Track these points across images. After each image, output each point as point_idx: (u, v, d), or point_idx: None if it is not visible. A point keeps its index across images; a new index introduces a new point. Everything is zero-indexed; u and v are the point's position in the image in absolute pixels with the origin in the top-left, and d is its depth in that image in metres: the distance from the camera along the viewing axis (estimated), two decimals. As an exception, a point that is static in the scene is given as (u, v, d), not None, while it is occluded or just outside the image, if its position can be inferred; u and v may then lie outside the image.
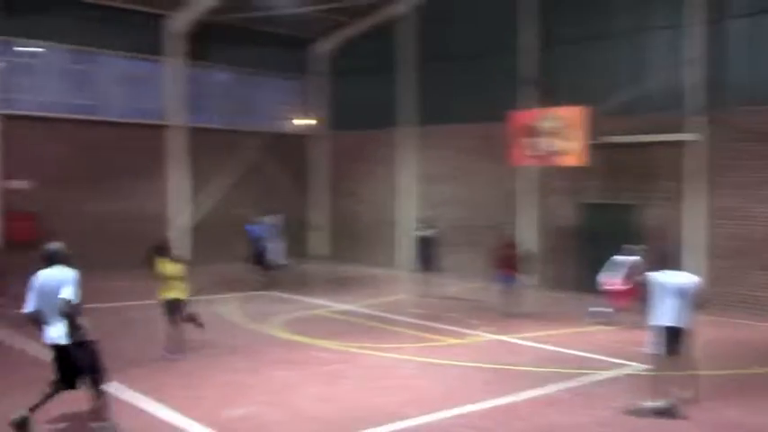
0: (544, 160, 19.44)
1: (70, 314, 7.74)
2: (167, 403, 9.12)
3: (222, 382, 10.26)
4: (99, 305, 16.05)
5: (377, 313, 16.05)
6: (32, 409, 7.87)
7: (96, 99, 23.47)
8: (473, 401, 9.45)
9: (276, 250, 19.86)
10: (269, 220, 19.97)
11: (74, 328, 7.79)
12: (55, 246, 8.22)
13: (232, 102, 26.47)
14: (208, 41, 24.78)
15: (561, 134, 18.86)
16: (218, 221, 24.08)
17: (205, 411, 8.82)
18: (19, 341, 12.46)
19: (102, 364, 8.10)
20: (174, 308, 11.97)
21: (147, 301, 16.80)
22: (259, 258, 19.54)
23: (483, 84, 21.94)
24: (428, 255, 18.49)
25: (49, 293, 7.80)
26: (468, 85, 22.42)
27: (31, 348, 11.48)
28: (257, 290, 18.58)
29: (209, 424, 8.36)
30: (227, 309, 16.30)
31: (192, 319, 12.48)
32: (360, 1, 23.00)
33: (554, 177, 20.17)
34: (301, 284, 20.53)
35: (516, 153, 19.85)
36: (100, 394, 8.07)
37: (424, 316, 15.69)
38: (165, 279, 11.98)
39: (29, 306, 7.93)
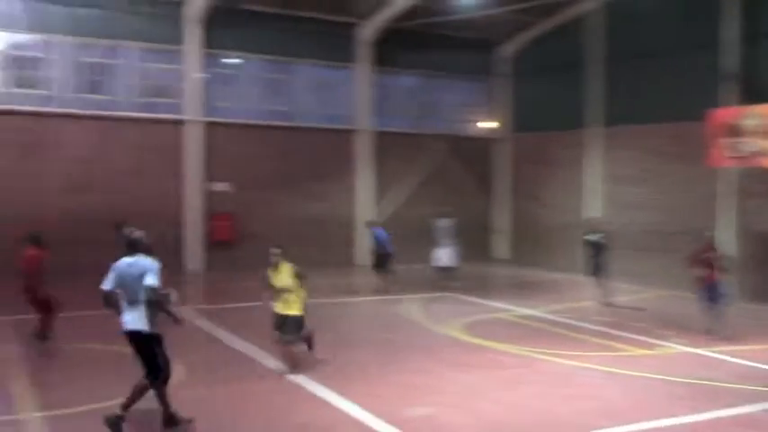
0: (746, 161, 18.10)
1: (157, 300, 7.79)
2: (349, 398, 9.39)
3: (403, 381, 10.43)
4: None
5: (559, 319, 15.67)
6: (163, 406, 8.02)
7: (291, 106, 24.76)
8: (664, 416, 8.95)
9: (448, 254, 19.60)
10: (442, 223, 19.82)
11: (156, 315, 7.83)
12: (137, 234, 8.18)
13: (417, 105, 26.91)
14: (394, 47, 25.36)
15: (766, 133, 17.48)
16: (402, 223, 24.58)
17: (386, 408, 9.00)
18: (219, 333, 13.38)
19: (166, 361, 8.05)
20: (282, 324, 10.61)
21: (335, 299, 17.56)
22: (382, 261, 19.31)
23: (677, 81, 20.78)
24: (597, 260, 17.62)
25: (129, 280, 7.83)
26: (660, 83, 21.34)
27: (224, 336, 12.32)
28: (382, 293, 18.58)
29: (390, 421, 8.52)
30: (409, 309, 16.57)
31: (308, 339, 11.24)
32: (547, 0, 22.59)
33: (756, 179, 18.71)
34: (483, 287, 20.45)
35: (715, 154, 18.63)
36: (147, 385, 8.02)
37: (609, 323, 15.10)
38: (276, 290, 10.65)
39: (106, 285, 7.97)
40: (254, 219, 23.21)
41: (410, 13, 23.81)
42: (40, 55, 21.28)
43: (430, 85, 27.06)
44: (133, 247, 8.05)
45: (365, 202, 25.51)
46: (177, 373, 10.30)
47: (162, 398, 8.05)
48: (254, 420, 8.64)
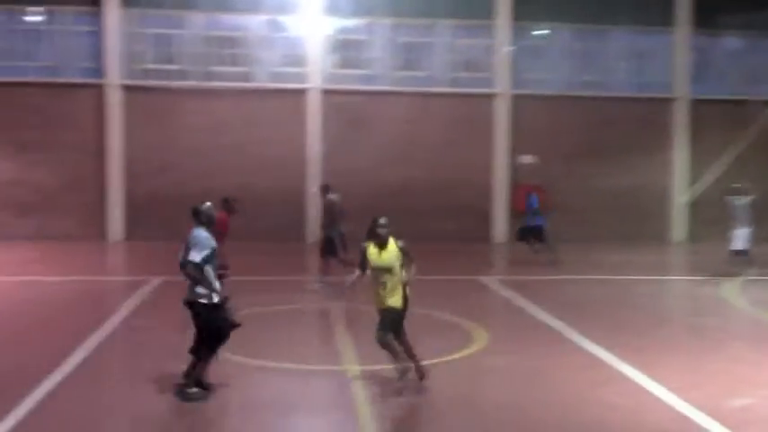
0: None
1: (192, 276, 7.76)
2: (659, 381, 8.93)
3: (722, 369, 9.69)
4: (600, 277, 16.70)
5: None
6: (190, 375, 7.94)
7: (602, 75, 24.00)
8: None
9: (743, 235, 17.10)
10: (738, 200, 17.31)
11: (197, 287, 7.77)
12: (202, 206, 8.06)
13: (741, 70, 24.54)
14: (716, 7, 23.38)
15: None
16: (717, 197, 22.70)
17: (701, 396, 8.44)
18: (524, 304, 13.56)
19: (221, 332, 7.90)
20: (385, 317, 8.34)
21: (646, 277, 16.88)
22: (530, 232, 18.20)
23: None
24: None
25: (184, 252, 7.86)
26: None
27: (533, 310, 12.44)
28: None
29: (706, 410, 7.98)
30: (728, 292, 15.31)
31: (408, 350, 8.63)
32: None
33: None
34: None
35: None
36: (199, 359, 7.92)
37: None
38: (375, 272, 8.35)
39: (179, 256, 7.96)
40: (560, 191, 22.99)
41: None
42: (362, 37, 23.03)
43: (759, 47, 24.49)
44: (197, 218, 8.04)
45: (681, 175, 24.01)
46: (481, 339, 10.62)
47: (200, 366, 7.99)
48: (553, 393, 8.58)
